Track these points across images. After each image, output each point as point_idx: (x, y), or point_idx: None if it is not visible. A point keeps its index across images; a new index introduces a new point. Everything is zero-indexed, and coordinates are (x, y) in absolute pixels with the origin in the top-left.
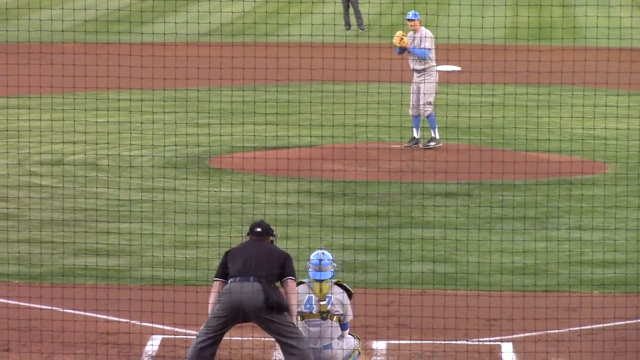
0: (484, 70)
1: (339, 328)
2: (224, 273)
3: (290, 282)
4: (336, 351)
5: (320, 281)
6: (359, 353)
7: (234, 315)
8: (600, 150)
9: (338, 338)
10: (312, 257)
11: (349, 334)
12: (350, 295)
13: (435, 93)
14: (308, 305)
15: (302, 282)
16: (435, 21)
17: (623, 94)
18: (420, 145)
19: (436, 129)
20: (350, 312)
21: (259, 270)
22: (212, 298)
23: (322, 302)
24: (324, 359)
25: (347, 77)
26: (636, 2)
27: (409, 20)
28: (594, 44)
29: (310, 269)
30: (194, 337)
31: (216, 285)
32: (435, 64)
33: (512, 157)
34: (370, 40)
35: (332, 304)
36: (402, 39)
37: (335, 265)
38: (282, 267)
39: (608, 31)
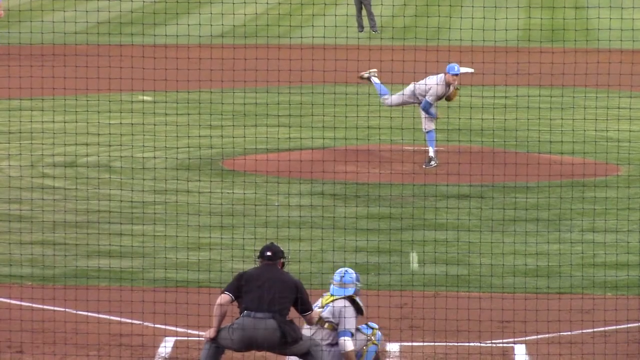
0: (497, 72)
1: (332, 335)
2: (233, 290)
3: (310, 317)
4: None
5: (332, 295)
6: (375, 344)
7: (246, 347)
8: (613, 152)
9: (328, 345)
10: (336, 272)
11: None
12: (359, 312)
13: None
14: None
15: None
16: (448, 23)
17: (636, 96)
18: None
19: (433, 146)
20: (348, 324)
21: (273, 303)
22: (217, 311)
23: (318, 309)
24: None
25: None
26: None
27: (455, 75)
28: (607, 45)
29: (332, 284)
30: (196, 338)
31: (223, 298)
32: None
33: (525, 159)
34: (382, 42)
35: (327, 311)
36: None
37: (359, 285)
38: (295, 297)
39: (621, 33)
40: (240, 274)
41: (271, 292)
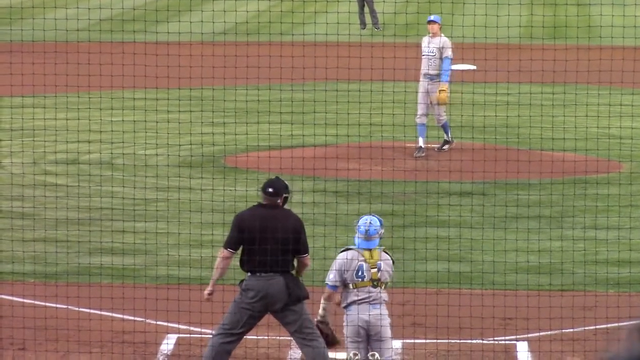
0: (499, 69)
1: (386, 295)
2: (234, 244)
3: (306, 259)
4: (384, 315)
5: (370, 250)
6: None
7: (259, 309)
8: (615, 149)
9: (384, 302)
10: (360, 223)
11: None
12: (393, 262)
13: (449, 103)
14: (360, 273)
15: (349, 249)
16: (451, 20)
17: (638, 93)
18: (435, 149)
19: (449, 132)
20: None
21: (277, 261)
22: (220, 264)
23: (372, 270)
24: (372, 322)
25: (362, 76)
26: None
27: (430, 22)
28: (609, 42)
29: (357, 237)
30: (210, 336)
31: (224, 252)
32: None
33: (527, 156)
34: (385, 39)
35: (381, 271)
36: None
37: (383, 231)
38: (296, 242)
39: (623, 30)
40: (237, 221)
41: (274, 248)
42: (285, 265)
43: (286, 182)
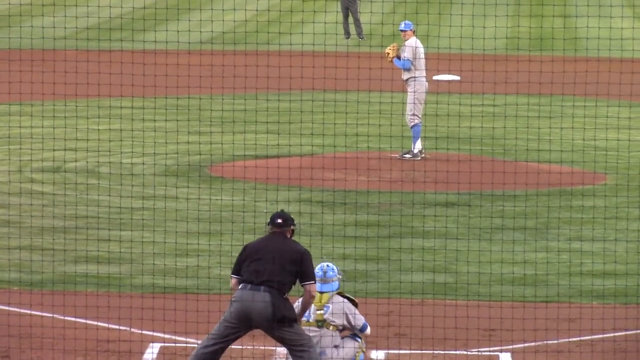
0: (485, 80)
1: (338, 337)
2: (239, 270)
3: (311, 287)
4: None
5: (322, 292)
6: (364, 352)
7: (243, 324)
8: (600, 161)
9: (334, 346)
10: (316, 269)
11: (348, 336)
12: (355, 304)
13: (422, 104)
14: (306, 314)
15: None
16: (437, 31)
17: (624, 105)
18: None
19: (417, 142)
20: (359, 319)
21: (272, 277)
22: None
23: (319, 312)
24: None
25: (348, 85)
26: (637, 13)
27: (400, 31)
28: (595, 54)
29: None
30: (196, 345)
31: (234, 283)
32: (418, 74)
33: (512, 167)
34: (371, 49)
35: (330, 313)
36: (389, 53)
37: (341, 277)
38: (299, 267)
39: (609, 42)
40: (244, 247)
41: (272, 264)
42: (275, 284)
43: (292, 215)
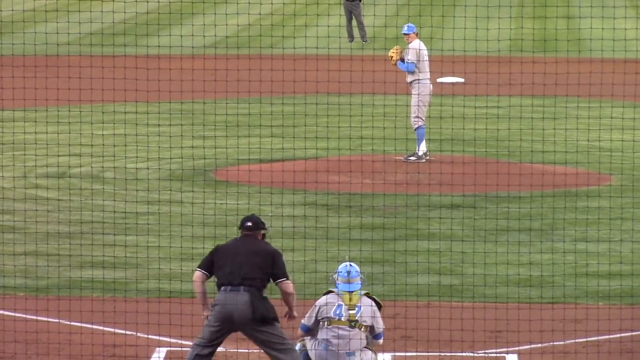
0: (489, 82)
1: (366, 339)
2: (207, 267)
3: (285, 284)
4: None
5: (350, 292)
6: None
7: (227, 326)
8: (605, 161)
9: (362, 349)
10: (339, 269)
11: (366, 347)
12: (379, 307)
13: (426, 106)
14: (338, 312)
15: (331, 291)
16: (440, 33)
17: (628, 106)
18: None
19: (422, 144)
20: (381, 323)
21: (248, 277)
22: (196, 288)
23: (351, 312)
24: None
25: (352, 89)
26: None
27: (403, 34)
28: (599, 55)
29: (338, 282)
30: (189, 349)
31: (198, 276)
32: (422, 77)
33: (517, 169)
34: (375, 52)
35: (360, 314)
36: (392, 56)
37: (363, 277)
38: (272, 267)
39: (613, 43)
40: (215, 248)
41: (246, 264)
42: (253, 283)
43: (263, 219)
